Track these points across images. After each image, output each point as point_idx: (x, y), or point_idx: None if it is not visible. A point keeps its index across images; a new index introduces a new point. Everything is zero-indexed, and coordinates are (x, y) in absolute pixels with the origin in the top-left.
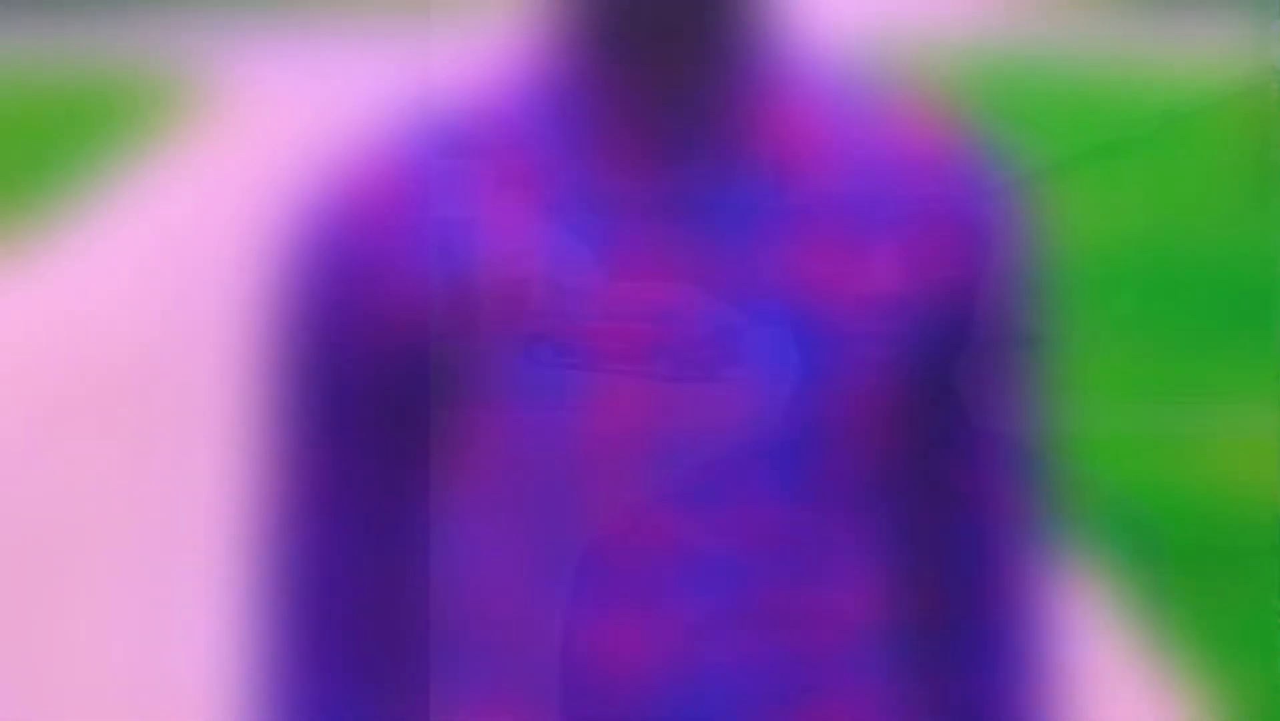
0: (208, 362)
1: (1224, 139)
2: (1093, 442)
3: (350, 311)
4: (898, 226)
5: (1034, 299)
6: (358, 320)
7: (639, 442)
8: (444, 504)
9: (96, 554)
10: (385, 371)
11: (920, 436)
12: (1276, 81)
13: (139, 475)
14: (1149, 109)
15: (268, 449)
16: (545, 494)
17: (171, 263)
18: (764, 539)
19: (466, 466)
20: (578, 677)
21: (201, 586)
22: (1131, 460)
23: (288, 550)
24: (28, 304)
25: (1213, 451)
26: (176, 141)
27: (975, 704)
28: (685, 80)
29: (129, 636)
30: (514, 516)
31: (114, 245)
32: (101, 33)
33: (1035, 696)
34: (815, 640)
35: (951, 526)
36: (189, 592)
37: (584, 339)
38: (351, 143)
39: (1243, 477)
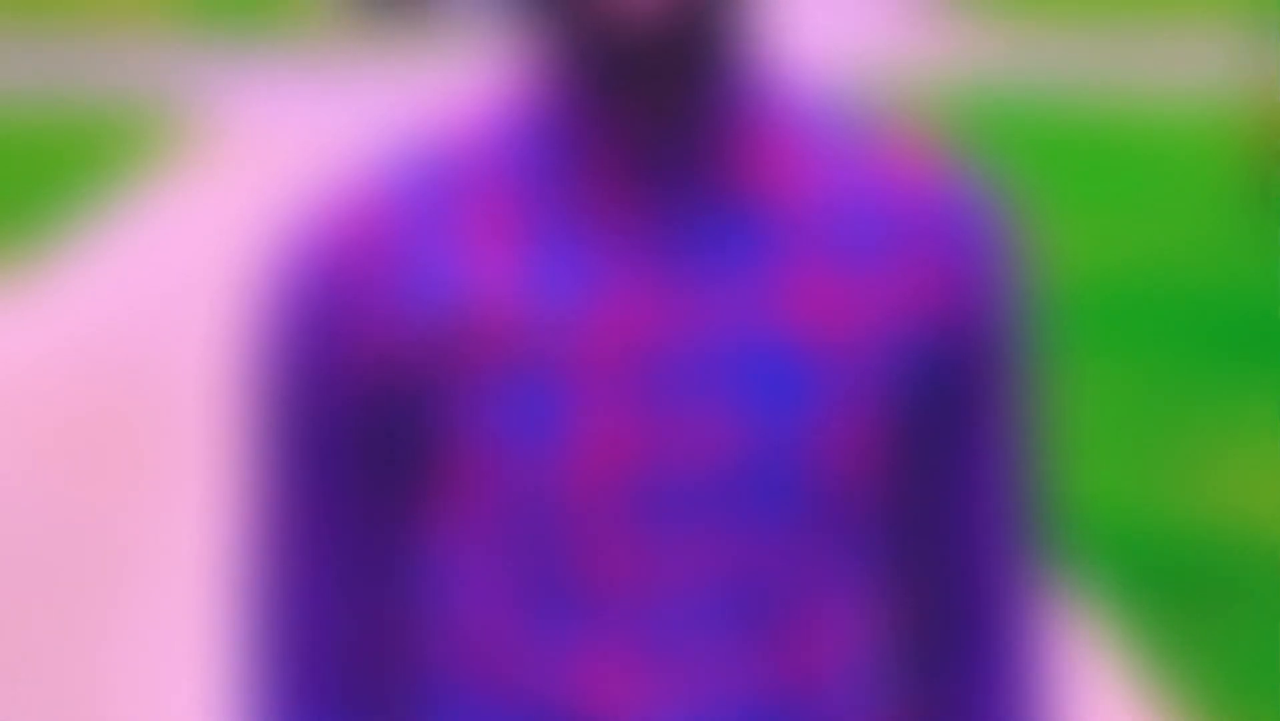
0: (196, 395)
1: (1214, 166)
2: (1088, 469)
3: (336, 346)
4: (887, 257)
5: (1026, 326)
6: (344, 355)
7: (627, 476)
8: (431, 540)
9: (81, 584)
10: (371, 406)
11: (913, 466)
12: (1268, 107)
13: (127, 504)
14: (1138, 137)
15: (254, 483)
16: (533, 528)
17: (161, 295)
18: (755, 571)
19: (454, 502)
20: (567, 714)
21: (188, 616)
22: (1127, 486)
23: (274, 585)
24: (17, 334)
25: (1208, 477)
26: (167, 175)
27: None
28: (671, 115)
29: (114, 665)
30: (502, 552)
31: (105, 277)
32: (94, 67)
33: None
34: (809, 670)
35: (946, 554)
36: (175, 622)
37: (571, 372)
38: (339, 178)
39: (1239, 503)
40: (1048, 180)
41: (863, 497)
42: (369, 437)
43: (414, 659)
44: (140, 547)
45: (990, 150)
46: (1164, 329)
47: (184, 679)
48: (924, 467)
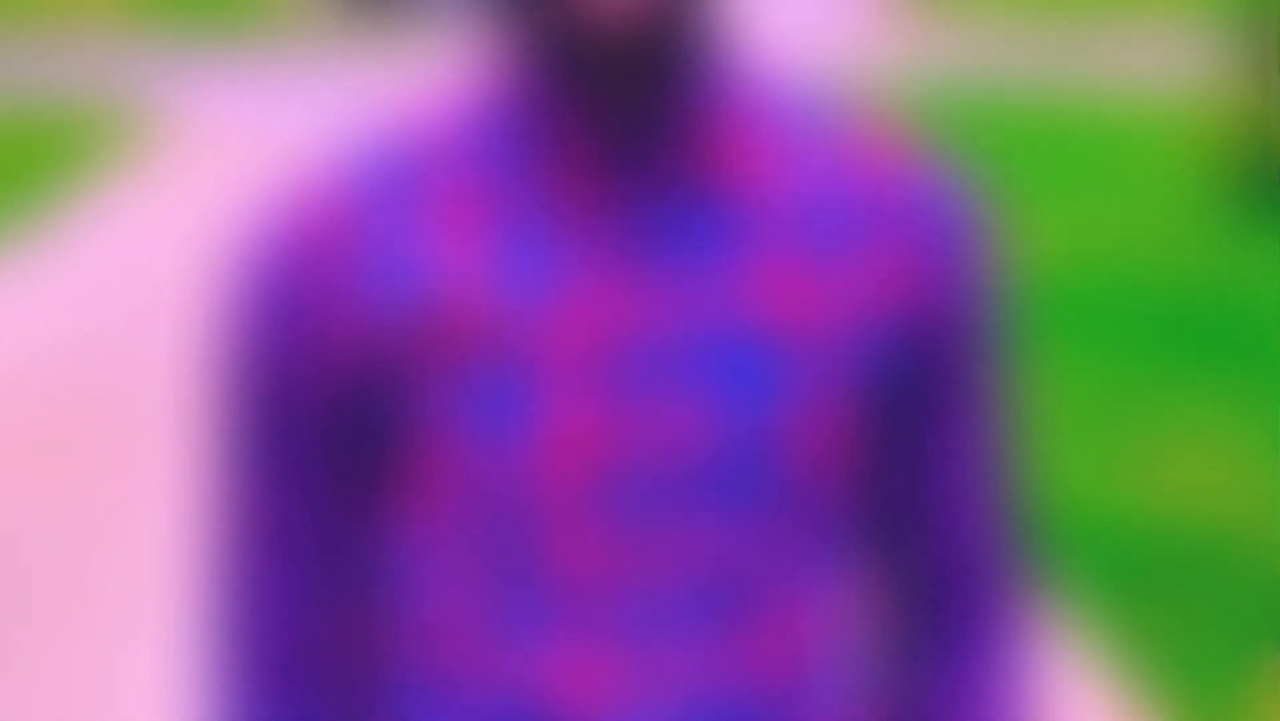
0: (161, 392)
1: (1183, 159)
2: (1052, 458)
3: (303, 338)
4: (857, 248)
5: (995, 316)
6: (310, 347)
7: (596, 468)
8: (399, 532)
9: (41, 582)
10: (338, 398)
11: (885, 455)
12: (1242, 102)
13: (92, 501)
14: (1107, 131)
15: (221, 476)
16: (502, 521)
17: (125, 293)
18: (727, 562)
19: (422, 494)
20: (537, 709)
21: (153, 613)
22: (1088, 475)
23: (241, 577)
24: None
25: (1170, 466)
26: (128, 173)
27: (944, 714)
28: (640, 108)
29: (82, 662)
30: (471, 544)
31: (65, 275)
32: (52, 66)
33: (1003, 708)
34: (783, 660)
35: (921, 542)
36: (143, 619)
37: (539, 365)
38: (303, 171)
39: (1199, 493)
40: (1017, 172)
41: (834, 488)
42: (336, 430)
43: (382, 650)
44: (106, 544)
45: (960, 142)
46: (1127, 321)
47: (151, 675)
48: (896, 457)
